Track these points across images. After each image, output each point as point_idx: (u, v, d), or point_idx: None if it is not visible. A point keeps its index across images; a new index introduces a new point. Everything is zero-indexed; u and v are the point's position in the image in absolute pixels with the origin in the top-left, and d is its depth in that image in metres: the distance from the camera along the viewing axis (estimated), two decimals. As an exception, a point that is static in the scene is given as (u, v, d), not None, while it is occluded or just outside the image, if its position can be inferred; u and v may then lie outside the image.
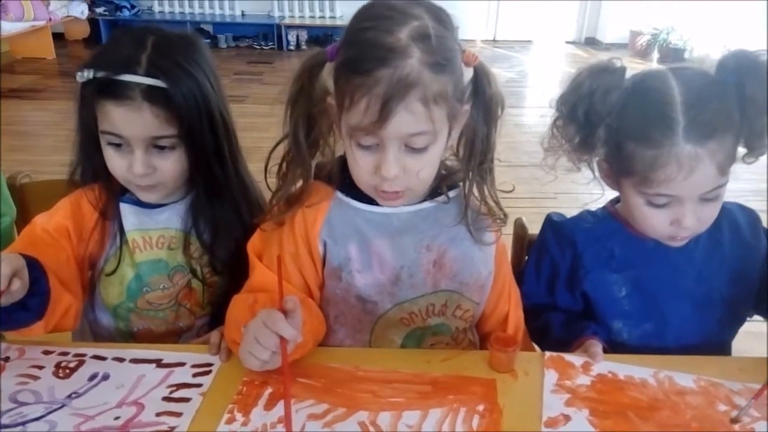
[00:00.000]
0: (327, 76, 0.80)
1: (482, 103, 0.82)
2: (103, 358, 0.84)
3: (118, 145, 0.89)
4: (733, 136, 0.81)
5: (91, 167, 0.95)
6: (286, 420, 0.69)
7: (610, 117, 0.84)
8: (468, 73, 0.79)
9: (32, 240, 0.90)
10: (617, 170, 0.88)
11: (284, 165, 0.86)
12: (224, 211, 0.98)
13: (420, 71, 0.71)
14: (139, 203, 0.97)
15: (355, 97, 0.72)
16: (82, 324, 1.02)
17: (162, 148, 0.89)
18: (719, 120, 0.80)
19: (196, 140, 0.90)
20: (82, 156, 0.95)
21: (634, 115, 0.83)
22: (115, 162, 0.90)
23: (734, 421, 0.74)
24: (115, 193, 0.96)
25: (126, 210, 0.96)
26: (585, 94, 0.84)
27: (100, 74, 0.85)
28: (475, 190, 0.87)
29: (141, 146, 0.88)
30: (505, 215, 0.90)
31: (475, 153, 0.84)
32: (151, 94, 0.85)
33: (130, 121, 0.86)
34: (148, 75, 0.85)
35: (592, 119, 0.84)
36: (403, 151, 0.76)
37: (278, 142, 0.86)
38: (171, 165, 0.90)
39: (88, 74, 0.86)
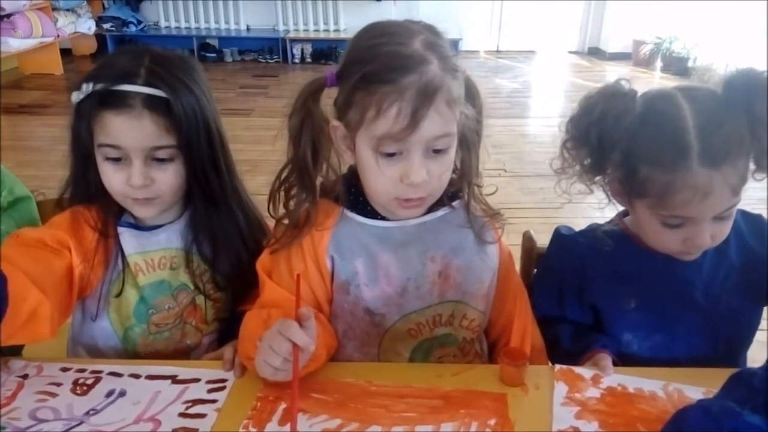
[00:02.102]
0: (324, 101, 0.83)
1: (473, 112, 0.85)
2: (120, 375, 0.85)
3: (115, 160, 0.89)
4: (745, 157, 0.82)
5: (85, 187, 0.95)
6: (292, 425, 0.69)
7: (623, 141, 0.84)
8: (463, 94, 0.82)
9: (17, 242, 0.87)
10: (630, 192, 0.89)
11: (288, 190, 0.87)
12: (223, 223, 0.99)
13: (442, 76, 0.76)
14: (136, 226, 0.97)
15: (383, 106, 0.75)
16: (77, 352, 1.01)
17: (161, 160, 0.90)
18: (732, 143, 0.81)
19: (194, 151, 0.91)
20: (76, 175, 0.95)
21: (648, 140, 0.84)
22: (113, 177, 0.90)
23: None
24: (113, 213, 0.95)
25: (125, 234, 0.96)
26: (597, 118, 0.85)
27: (99, 86, 0.86)
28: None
29: (140, 157, 0.88)
30: (501, 213, 0.93)
31: (471, 159, 0.88)
32: (151, 103, 0.86)
33: (130, 129, 0.86)
34: (147, 85, 0.86)
35: (604, 144, 0.85)
36: (427, 157, 0.79)
37: (288, 173, 0.87)
38: (169, 177, 0.91)
39: (87, 88, 0.87)
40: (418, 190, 0.81)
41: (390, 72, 0.75)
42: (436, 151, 0.80)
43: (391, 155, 0.79)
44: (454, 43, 5.94)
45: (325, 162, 0.87)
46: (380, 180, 0.81)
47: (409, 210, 0.85)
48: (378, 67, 0.76)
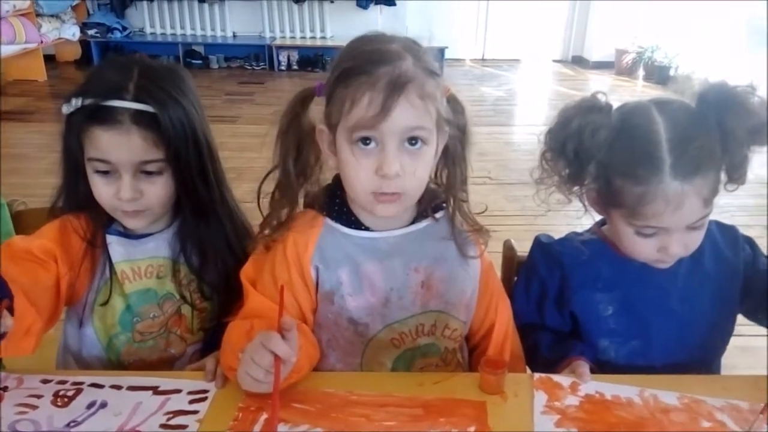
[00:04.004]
0: (314, 109, 0.87)
1: (458, 129, 0.87)
2: (101, 386, 0.84)
3: (105, 173, 0.89)
4: (716, 170, 0.84)
5: (75, 197, 0.95)
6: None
7: (599, 154, 0.86)
8: (444, 102, 0.85)
9: (8, 254, 0.87)
10: (606, 202, 0.91)
11: (275, 193, 0.90)
12: (211, 234, 0.99)
13: (415, 71, 0.79)
14: (125, 234, 0.98)
15: (357, 96, 0.78)
16: (66, 360, 1.01)
17: (149, 173, 0.90)
18: (704, 156, 0.83)
19: (183, 163, 0.91)
20: (67, 185, 0.96)
21: (622, 153, 0.86)
22: (102, 189, 0.90)
23: None
24: (102, 223, 0.96)
25: (113, 241, 0.97)
26: (573, 132, 0.86)
27: (88, 101, 0.87)
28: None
29: (129, 171, 0.88)
30: (486, 230, 0.95)
31: (456, 173, 0.90)
32: (139, 118, 0.87)
33: (119, 145, 0.87)
34: (136, 100, 0.87)
35: (581, 156, 0.87)
36: (402, 150, 0.80)
37: (269, 172, 0.90)
38: (158, 189, 0.91)
39: (76, 102, 0.87)
40: (392, 185, 0.81)
41: (365, 65, 0.78)
42: (412, 144, 0.81)
43: (366, 144, 0.80)
44: (440, 51, 5.98)
45: (309, 169, 0.89)
46: (357, 173, 0.82)
47: (386, 206, 0.84)
48: (355, 63, 0.79)
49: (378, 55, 0.79)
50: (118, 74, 0.90)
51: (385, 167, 0.79)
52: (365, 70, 0.78)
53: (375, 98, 0.77)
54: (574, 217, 0.99)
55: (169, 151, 0.89)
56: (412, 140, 0.81)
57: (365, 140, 0.80)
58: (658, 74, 5.75)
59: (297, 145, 0.87)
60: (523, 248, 1.12)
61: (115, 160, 0.88)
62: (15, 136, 4.07)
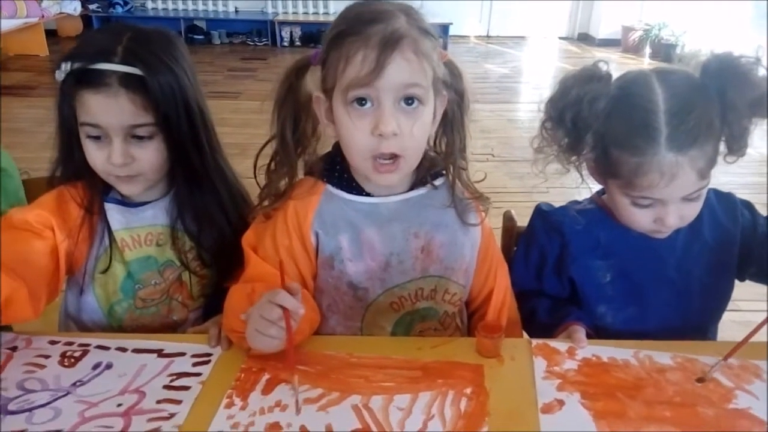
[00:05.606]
0: (310, 79, 0.86)
1: (456, 94, 0.88)
2: (107, 348, 0.86)
3: (97, 138, 0.90)
4: (714, 142, 0.84)
5: (72, 165, 0.95)
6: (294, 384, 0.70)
7: (596, 123, 0.86)
8: (441, 65, 0.84)
9: (5, 225, 0.88)
10: (603, 172, 0.91)
11: (273, 163, 0.90)
12: (206, 200, 0.99)
13: (409, 28, 0.79)
14: (123, 202, 0.98)
15: (350, 54, 0.78)
16: (68, 326, 1.03)
17: (140, 138, 0.90)
18: (701, 128, 0.82)
19: (173, 128, 0.91)
20: (63, 153, 0.96)
21: (619, 123, 0.85)
22: (95, 154, 0.91)
23: (700, 380, 0.80)
24: (99, 190, 0.96)
25: (111, 209, 0.97)
26: (572, 101, 0.86)
27: (77, 65, 0.87)
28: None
29: (119, 135, 0.88)
30: (487, 197, 0.96)
31: (455, 140, 0.90)
32: (127, 81, 0.86)
33: (107, 108, 0.87)
34: (123, 63, 0.87)
35: (579, 126, 0.87)
36: (398, 109, 0.80)
37: (267, 141, 0.90)
38: (149, 154, 0.91)
39: (66, 67, 0.87)
40: (390, 144, 0.80)
41: (358, 25, 0.78)
42: (408, 104, 0.80)
43: (362, 104, 0.79)
44: (445, 28, 5.92)
45: (306, 139, 0.90)
46: (354, 135, 0.81)
47: (385, 175, 0.84)
48: (348, 22, 0.80)
49: (371, 15, 0.79)
50: (108, 38, 0.90)
51: (381, 126, 0.79)
52: (358, 30, 0.78)
53: (369, 55, 0.77)
54: (576, 194, 1.00)
55: (158, 116, 0.89)
56: (408, 99, 0.80)
57: (361, 101, 0.79)
58: (665, 52, 5.69)
59: (294, 115, 0.87)
60: (523, 223, 1.12)
61: (105, 124, 0.88)
62: (16, 111, 4.07)
